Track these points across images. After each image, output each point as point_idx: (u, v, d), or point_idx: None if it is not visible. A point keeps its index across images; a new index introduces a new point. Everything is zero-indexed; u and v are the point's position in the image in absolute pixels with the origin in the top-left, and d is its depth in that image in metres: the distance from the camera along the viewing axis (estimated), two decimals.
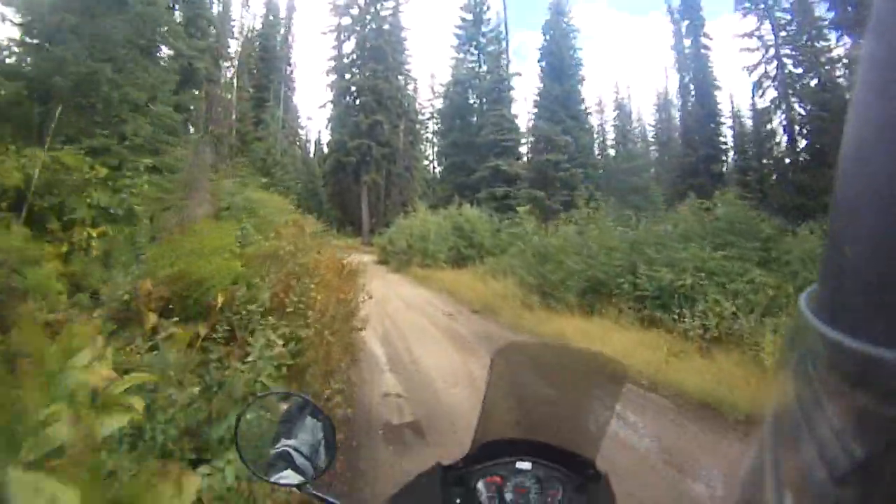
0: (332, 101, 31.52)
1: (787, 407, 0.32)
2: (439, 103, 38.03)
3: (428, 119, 39.79)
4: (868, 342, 0.23)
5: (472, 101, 33.21)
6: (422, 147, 38.61)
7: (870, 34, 0.28)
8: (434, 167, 40.48)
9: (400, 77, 33.21)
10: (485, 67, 33.82)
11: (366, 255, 25.38)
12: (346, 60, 31.83)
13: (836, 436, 0.25)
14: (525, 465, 1.03)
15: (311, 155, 46.30)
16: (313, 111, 71.80)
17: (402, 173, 31.50)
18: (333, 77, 31.48)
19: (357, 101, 30.66)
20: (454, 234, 18.05)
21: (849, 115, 0.29)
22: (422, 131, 37.98)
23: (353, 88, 30.91)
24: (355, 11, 31.50)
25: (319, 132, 35.53)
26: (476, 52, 34.16)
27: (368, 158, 28.84)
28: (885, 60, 0.27)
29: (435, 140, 40.00)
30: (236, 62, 32.55)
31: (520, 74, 32.16)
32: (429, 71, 64.84)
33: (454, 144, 31.42)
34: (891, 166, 0.25)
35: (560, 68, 33.23)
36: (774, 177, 24.54)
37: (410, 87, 35.10)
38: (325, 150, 35.34)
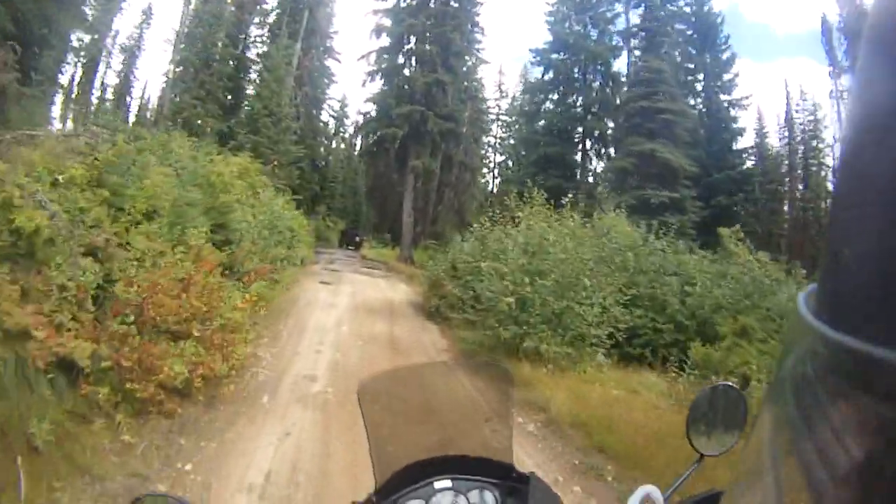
0: (376, 53, 21.96)
1: (787, 407, 0.31)
2: (506, 104, 30.41)
3: (492, 121, 30.47)
4: (868, 342, 0.23)
5: (576, 75, 23.12)
6: (483, 151, 29.07)
7: (869, 33, 0.28)
8: (493, 177, 31.24)
9: (474, 37, 23.60)
10: (594, 33, 23.93)
11: (400, 281, 15.07)
12: (402, 4, 22.58)
13: (836, 436, 0.25)
14: (444, 483, 0.99)
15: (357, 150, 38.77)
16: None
17: (465, 162, 21.33)
18: (384, 21, 22.02)
19: (413, 54, 21.13)
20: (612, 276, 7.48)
21: (848, 114, 0.29)
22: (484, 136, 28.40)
23: (411, 37, 21.40)
24: None
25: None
26: (581, 13, 24.15)
27: (422, 132, 18.98)
28: (884, 60, 0.27)
29: (498, 144, 31.00)
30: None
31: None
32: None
33: (547, 131, 21.38)
34: (891, 166, 0.24)
35: (705, 37, 22.89)
36: None
37: (480, 72, 25.09)
38: (360, 121, 25.80)
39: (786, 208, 20.12)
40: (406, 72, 21.61)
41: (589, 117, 19.73)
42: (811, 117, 23.87)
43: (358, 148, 45.69)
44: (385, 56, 21.90)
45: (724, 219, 17.26)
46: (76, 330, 2.82)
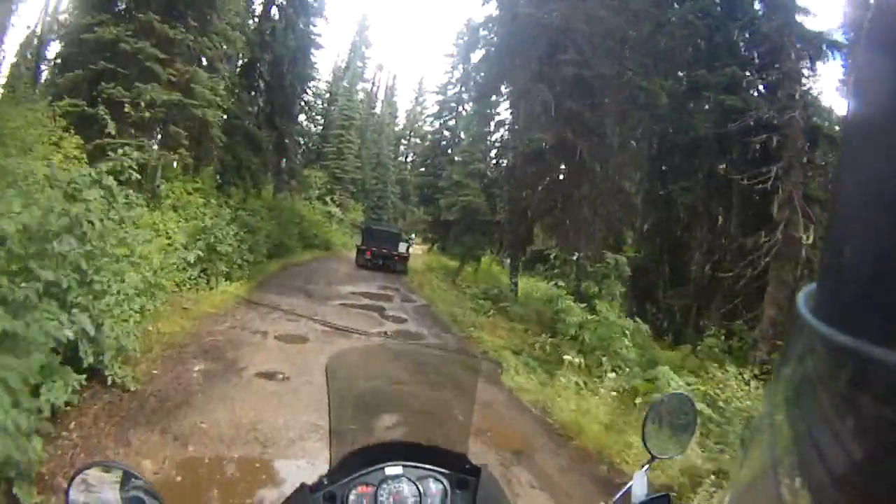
0: None
1: (786, 408, 0.32)
2: None
3: None
4: (868, 342, 0.23)
5: None
6: None
7: (869, 32, 0.28)
8: None
9: None
10: None
11: None
12: None
13: (836, 436, 0.25)
14: (395, 469, 0.98)
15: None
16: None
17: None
18: None
19: None
20: None
21: (848, 114, 0.30)
22: None
23: None
24: None
25: None
26: None
27: None
28: (884, 59, 0.27)
29: None
30: None
31: None
32: None
33: None
34: (891, 166, 0.25)
35: None
36: None
37: None
38: None
39: None
40: None
41: None
42: None
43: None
44: None
45: None
46: None
